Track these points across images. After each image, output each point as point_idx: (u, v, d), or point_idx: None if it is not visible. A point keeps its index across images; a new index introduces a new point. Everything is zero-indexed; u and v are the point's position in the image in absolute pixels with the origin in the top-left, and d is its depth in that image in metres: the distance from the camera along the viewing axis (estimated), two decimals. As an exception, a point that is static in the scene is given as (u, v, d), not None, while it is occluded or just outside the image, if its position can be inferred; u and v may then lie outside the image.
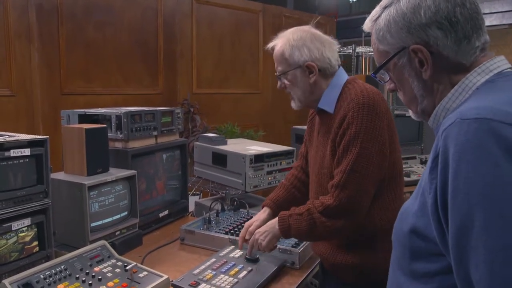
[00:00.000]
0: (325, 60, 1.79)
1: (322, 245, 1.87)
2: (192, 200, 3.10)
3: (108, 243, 1.94)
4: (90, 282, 1.66)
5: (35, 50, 3.74)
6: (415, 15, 1.00)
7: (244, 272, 1.82)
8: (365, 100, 1.66)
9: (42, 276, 1.61)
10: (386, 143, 1.67)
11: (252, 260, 1.92)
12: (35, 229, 1.81)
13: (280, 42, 1.83)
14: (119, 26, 4.32)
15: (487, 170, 0.79)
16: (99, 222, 2.08)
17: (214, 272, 1.81)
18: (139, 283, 1.70)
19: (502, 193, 0.77)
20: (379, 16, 1.07)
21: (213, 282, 1.73)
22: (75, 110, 2.49)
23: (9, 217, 1.69)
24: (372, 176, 1.65)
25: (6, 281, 1.52)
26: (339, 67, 1.84)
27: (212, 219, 2.36)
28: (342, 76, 1.82)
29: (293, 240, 2.09)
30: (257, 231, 1.88)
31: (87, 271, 1.72)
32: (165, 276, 1.75)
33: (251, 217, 2.11)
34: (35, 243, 1.81)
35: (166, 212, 2.61)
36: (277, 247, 1.96)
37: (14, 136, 1.78)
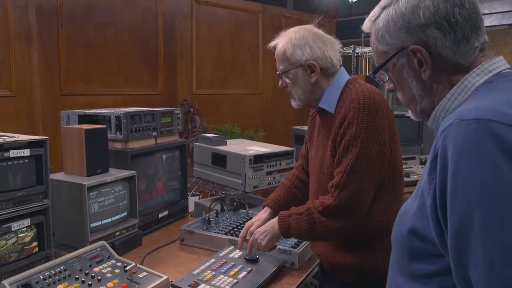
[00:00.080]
0: (326, 60, 1.79)
1: (321, 245, 1.87)
2: (192, 201, 3.10)
3: (108, 243, 1.94)
4: (90, 282, 1.65)
5: (35, 51, 3.74)
6: (414, 16, 1.00)
7: (244, 273, 1.82)
8: (366, 100, 1.66)
9: (41, 277, 1.61)
10: (386, 143, 1.67)
11: (251, 260, 1.92)
12: (35, 230, 1.81)
13: (282, 41, 1.84)
14: (119, 27, 4.32)
15: (486, 171, 0.79)
16: (99, 223, 2.08)
17: (213, 273, 1.81)
18: (139, 284, 1.70)
19: (501, 194, 0.77)
20: (378, 17, 1.07)
21: (213, 282, 1.73)
22: (74, 110, 2.49)
23: (9, 218, 1.69)
24: (372, 176, 1.65)
25: (5, 282, 1.52)
26: (340, 67, 1.85)
27: (211, 219, 2.36)
28: (343, 76, 1.82)
29: (292, 241, 2.09)
30: (256, 230, 1.88)
31: (86, 272, 1.71)
32: (165, 277, 1.74)
33: (251, 218, 2.11)
34: (35, 243, 1.81)
35: (165, 212, 2.61)
36: (277, 248, 1.96)
37: (13, 137, 1.78)
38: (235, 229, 2.26)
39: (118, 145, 2.37)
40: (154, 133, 2.52)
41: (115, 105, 3.69)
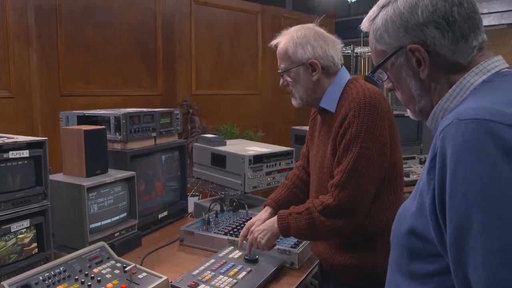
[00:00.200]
0: (328, 58, 1.79)
1: (320, 245, 1.87)
2: (191, 201, 3.10)
3: (107, 244, 1.93)
4: (89, 283, 1.65)
5: (34, 51, 3.74)
6: (413, 15, 1.00)
7: (243, 273, 1.82)
8: (367, 100, 1.66)
9: (41, 278, 1.60)
10: (387, 143, 1.67)
11: (251, 260, 1.92)
12: (34, 231, 1.81)
13: (284, 40, 1.84)
14: (118, 27, 4.32)
15: (485, 170, 0.78)
16: (98, 224, 2.08)
17: (213, 273, 1.81)
18: (138, 284, 1.70)
19: (500, 194, 0.77)
20: (376, 16, 1.07)
21: (212, 283, 1.73)
22: (74, 111, 2.49)
23: (8, 219, 1.69)
24: (373, 176, 1.65)
25: (5, 283, 1.52)
26: (342, 66, 1.85)
27: (211, 220, 2.36)
28: (345, 75, 1.82)
29: (292, 241, 2.09)
30: (256, 229, 1.88)
31: (86, 273, 1.71)
32: (164, 277, 1.74)
33: (251, 218, 2.11)
34: (34, 244, 1.81)
35: (165, 213, 2.61)
36: (277, 248, 1.96)
37: (13, 138, 1.78)
38: (235, 230, 2.26)
39: (118, 146, 2.37)
40: (154, 134, 2.52)
41: (114, 106, 3.69)
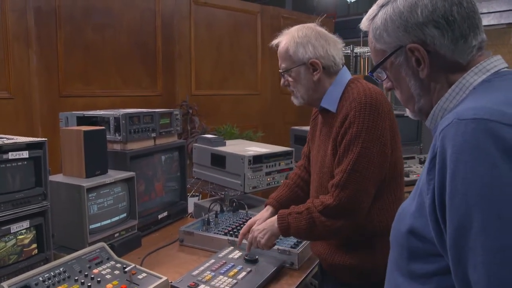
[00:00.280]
0: (329, 58, 1.78)
1: (320, 245, 1.87)
2: (191, 202, 3.10)
3: (107, 245, 1.93)
4: (89, 284, 1.65)
5: (33, 53, 3.73)
6: (412, 14, 1.00)
7: (243, 273, 1.82)
8: (368, 100, 1.65)
9: (41, 279, 1.60)
10: (387, 144, 1.67)
11: (251, 261, 1.92)
12: (34, 232, 1.80)
13: (285, 39, 1.83)
14: (118, 28, 4.32)
15: (485, 170, 0.78)
16: (98, 224, 2.07)
17: (213, 273, 1.81)
18: (138, 285, 1.70)
19: (500, 194, 0.77)
20: (376, 15, 1.07)
21: (212, 283, 1.73)
22: (73, 112, 2.49)
23: (8, 220, 1.69)
24: (373, 176, 1.65)
25: (4, 284, 1.52)
26: (343, 65, 1.84)
27: (211, 220, 2.36)
28: (346, 75, 1.82)
29: (292, 241, 2.09)
30: (256, 228, 1.88)
31: (86, 273, 1.71)
32: (164, 278, 1.74)
33: (251, 218, 2.11)
34: (34, 245, 1.81)
35: (165, 213, 2.61)
36: (277, 248, 1.96)
37: (12, 139, 1.77)
38: (235, 230, 2.26)
39: (117, 147, 2.37)
40: (153, 134, 2.52)
41: (114, 107, 3.69)
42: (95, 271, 1.75)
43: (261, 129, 5.46)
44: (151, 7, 4.58)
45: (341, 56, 1.84)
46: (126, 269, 1.75)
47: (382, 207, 1.71)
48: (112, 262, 1.83)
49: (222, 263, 1.90)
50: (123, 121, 2.32)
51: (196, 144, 3.10)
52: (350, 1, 7.17)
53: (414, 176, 3.90)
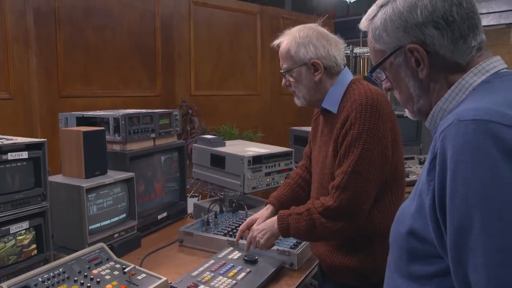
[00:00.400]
0: (331, 58, 1.78)
1: (320, 246, 1.86)
2: (191, 202, 3.10)
3: (107, 245, 1.93)
4: (89, 284, 1.65)
5: (32, 53, 3.74)
6: (412, 14, 1.00)
7: (243, 274, 1.82)
8: (369, 101, 1.65)
9: (40, 279, 1.60)
10: (388, 145, 1.66)
11: (250, 261, 1.91)
12: (33, 232, 1.80)
13: (286, 39, 1.83)
14: (117, 29, 4.32)
15: (485, 171, 0.78)
16: (98, 225, 2.07)
17: (212, 274, 1.80)
18: (138, 286, 1.69)
19: (501, 194, 0.77)
20: (375, 15, 1.07)
21: (212, 284, 1.73)
22: (73, 113, 2.49)
23: (7, 220, 1.69)
24: (374, 178, 1.64)
25: (4, 284, 1.52)
26: (344, 66, 1.84)
27: (210, 220, 2.35)
28: (347, 76, 1.82)
29: (291, 241, 2.09)
30: (255, 228, 1.88)
31: (85, 274, 1.71)
32: (164, 278, 1.74)
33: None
34: (33, 246, 1.81)
35: (164, 214, 2.61)
36: (276, 248, 1.96)
37: (11, 139, 1.77)
38: (234, 230, 2.26)
39: (117, 147, 2.37)
40: (153, 135, 2.52)
41: (113, 107, 3.69)
42: (95, 271, 1.75)
43: (261, 129, 5.47)
44: (151, 8, 4.58)
45: (343, 57, 1.83)
46: (125, 270, 1.74)
47: (383, 208, 1.71)
48: (112, 263, 1.83)
49: (221, 263, 1.90)
50: (123, 122, 2.32)
51: (195, 145, 3.10)
52: (350, 1, 7.17)
53: (414, 176, 3.90)
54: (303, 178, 2.10)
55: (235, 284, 1.74)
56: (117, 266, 1.81)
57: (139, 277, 1.74)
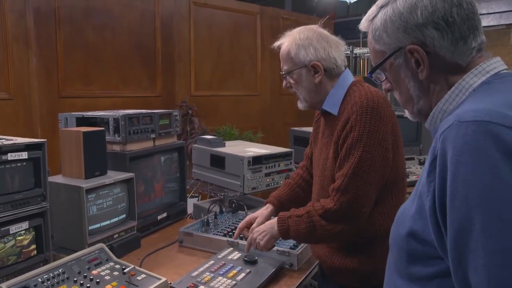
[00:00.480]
0: (331, 60, 1.77)
1: (320, 248, 1.86)
2: (191, 202, 3.10)
3: (106, 246, 1.93)
4: (88, 285, 1.65)
5: (32, 53, 3.73)
6: (412, 15, 0.99)
7: (243, 274, 1.82)
8: (369, 104, 1.64)
9: (40, 280, 1.60)
10: (389, 148, 1.66)
11: (250, 262, 1.91)
12: (33, 233, 1.80)
13: (287, 41, 1.83)
14: (117, 29, 4.32)
15: (485, 172, 0.78)
16: (97, 225, 2.07)
17: (212, 275, 1.80)
18: (137, 286, 1.69)
19: (501, 195, 0.77)
20: (375, 16, 1.07)
21: (211, 284, 1.73)
22: (72, 113, 2.49)
23: (7, 221, 1.69)
24: (374, 181, 1.64)
25: (3, 285, 1.52)
26: (345, 68, 1.83)
27: (210, 221, 2.35)
28: (348, 77, 1.81)
29: (291, 242, 2.09)
30: (255, 229, 1.88)
31: (85, 274, 1.71)
32: (164, 279, 1.74)
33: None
34: (33, 246, 1.81)
35: (164, 214, 2.61)
36: (276, 249, 1.96)
37: (11, 140, 1.77)
38: (234, 231, 2.25)
39: (117, 148, 2.37)
40: (153, 135, 2.52)
41: (113, 107, 3.69)
42: (94, 272, 1.75)
43: (261, 130, 5.46)
44: (151, 8, 4.58)
45: (343, 58, 1.83)
46: (125, 270, 1.75)
47: (384, 211, 1.71)
48: (111, 263, 1.83)
49: (221, 264, 1.90)
50: (123, 122, 2.32)
51: (195, 145, 3.10)
52: (350, 2, 7.17)
53: (414, 177, 3.90)
54: (303, 179, 2.10)
55: (235, 284, 1.74)
56: (117, 266, 1.81)
57: (139, 278, 1.74)
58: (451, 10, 0.97)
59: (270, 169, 2.80)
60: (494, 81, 0.97)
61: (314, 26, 1.84)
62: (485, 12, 6.57)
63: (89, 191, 2.01)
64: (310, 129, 3.04)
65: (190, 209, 3.00)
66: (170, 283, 1.75)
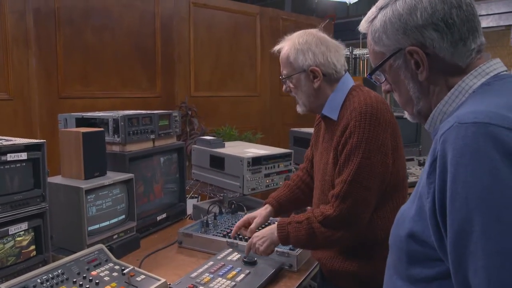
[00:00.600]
0: (330, 65, 1.76)
1: (320, 251, 1.86)
2: (190, 203, 3.09)
3: (106, 246, 1.93)
4: (88, 286, 1.65)
5: (32, 54, 3.73)
6: (411, 17, 0.99)
7: (242, 275, 1.82)
8: (368, 110, 1.64)
9: (39, 281, 1.60)
10: (388, 153, 1.65)
11: (249, 263, 1.91)
12: (32, 233, 1.80)
13: (286, 46, 1.82)
14: (117, 30, 4.32)
15: (485, 174, 0.78)
16: (97, 226, 2.07)
17: (211, 275, 1.80)
18: (137, 287, 1.69)
19: (501, 197, 0.77)
20: (375, 17, 1.07)
21: (211, 285, 1.73)
22: (72, 113, 2.49)
23: (6, 221, 1.69)
24: (374, 187, 1.63)
25: (3, 286, 1.52)
26: (345, 72, 1.83)
27: (210, 222, 2.35)
28: (348, 82, 1.80)
29: (291, 243, 2.09)
30: (255, 234, 1.88)
31: (84, 275, 1.71)
32: (163, 280, 1.74)
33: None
34: (32, 247, 1.81)
35: (164, 215, 2.61)
36: (275, 250, 1.96)
37: (11, 140, 1.77)
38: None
39: (116, 148, 2.37)
40: (152, 136, 2.52)
41: (113, 108, 3.68)
42: (94, 273, 1.74)
43: (260, 130, 5.46)
44: (151, 9, 4.58)
45: (343, 63, 1.82)
46: (124, 271, 1.74)
47: (384, 216, 1.70)
48: (111, 264, 1.83)
49: (220, 265, 1.90)
50: (122, 123, 2.32)
51: (195, 146, 3.10)
52: (350, 3, 7.18)
53: (413, 178, 3.90)
54: (303, 181, 2.10)
55: (234, 285, 1.74)
56: (116, 267, 1.81)
57: (138, 279, 1.74)
58: (450, 11, 0.97)
59: (269, 170, 2.80)
60: (494, 82, 0.97)
61: (314, 30, 1.83)
62: (485, 13, 6.58)
63: (88, 191, 2.01)
64: (309, 130, 3.04)
65: (189, 210, 3.00)
66: (170, 284, 1.75)
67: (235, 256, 1.99)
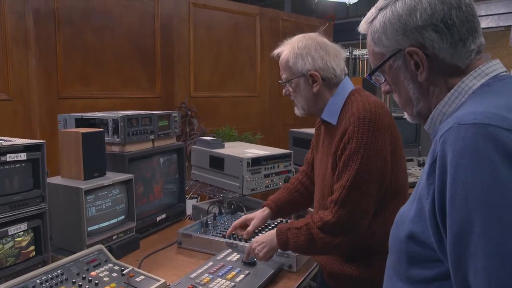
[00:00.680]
0: (329, 70, 1.76)
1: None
2: (190, 204, 3.09)
3: (105, 247, 1.93)
4: (87, 286, 1.65)
5: (32, 55, 3.73)
6: (411, 17, 0.99)
7: (241, 276, 1.82)
8: (366, 115, 1.63)
9: (38, 281, 1.60)
10: (387, 159, 1.64)
11: (249, 263, 1.91)
12: (32, 234, 1.80)
13: (286, 50, 1.82)
14: (117, 30, 4.32)
15: (485, 175, 0.78)
16: (96, 226, 2.07)
17: (211, 276, 1.80)
18: (136, 287, 1.70)
19: (501, 198, 0.77)
20: (374, 18, 1.07)
21: (210, 286, 1.73)
22: (72, 114, 2.49)
23: (6, 222, 1.69)
24: (372, 192, 1.63)
25: (2, 286, 1.52)
26: (345, 76, 1.82)
27: (209, 222, 2.35)
28: (347, 86, 1.80)
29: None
30: (254, 240, 1.89)
31: (83, 276, 1.71)
32: (162, 280, 1.74)
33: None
34: (32, 247, 1.80)
35: (163, 215, 2.61)
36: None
37: (10, 141, 1.77)
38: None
39: (116, 149, 2.37)
40: (152, 136, 2.52)
41: (113, 108, 3.68)
42: (93, 273, 1.74)
43: (260, 131, 5.46)
44: (150, 9, 4.58)
45: (343, 67, 1.81)
46: (124, 272, 1.74)
47: (383, 220, 1.69)
48: (110, 265, 1.83)
49: (220, 265, 1.90)
50: (122, 123, 2.32)
51: (194, 146, 3.10)
52: (349, 4, 7.18)
53: (413, 178, 3.90)
54: (302, 184, 2.10)
55: (234, 286, 1.74)
56: (116, 268, 1.81)
57: (138, 279, 1.74)
58: (450, 12, 0.97)
59: (269, 170, 2.80)
60: (494, 83, 0.97)
61: (313, 35, 1.82)
62: (484, 14, 6.58)
63: (88, 192, 2.00)
64: (309, 130, 3.04)
65: (189, 210, 3.00)
66: (169, 285, 1.75)
67: (235, 256, 1.99)
